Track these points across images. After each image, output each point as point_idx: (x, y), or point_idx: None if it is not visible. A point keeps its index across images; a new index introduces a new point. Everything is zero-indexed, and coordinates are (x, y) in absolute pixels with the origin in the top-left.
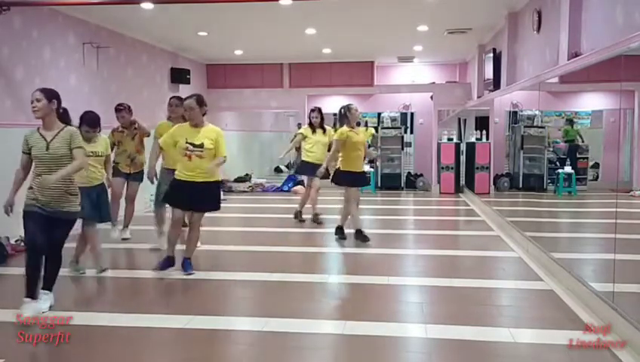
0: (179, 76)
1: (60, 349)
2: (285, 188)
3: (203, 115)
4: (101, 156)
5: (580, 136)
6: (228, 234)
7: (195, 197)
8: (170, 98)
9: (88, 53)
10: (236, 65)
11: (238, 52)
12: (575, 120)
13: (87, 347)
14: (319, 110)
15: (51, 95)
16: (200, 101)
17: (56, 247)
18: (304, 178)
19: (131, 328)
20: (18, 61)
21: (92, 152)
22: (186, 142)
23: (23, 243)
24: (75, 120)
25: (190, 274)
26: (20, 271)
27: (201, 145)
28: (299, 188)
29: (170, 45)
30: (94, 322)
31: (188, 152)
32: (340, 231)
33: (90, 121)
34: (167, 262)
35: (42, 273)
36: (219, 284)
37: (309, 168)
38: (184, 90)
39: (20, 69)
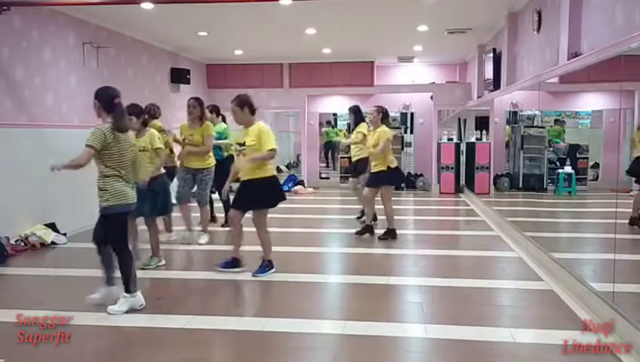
0: (179, 76)
1: (60, 349)
2: (285, 188)
3: (252, 114)
4: (142, 151)
5: (558, 136)
6: (228, 233)
7: (242, 196)
8: (188, 100)
9: (88, 53)
10: (236, 65)
11: (238, 52)
12: (563, 120)
13: (87, 347)
14: (351, 109)
15: (95, 96)
16: (240, 103)
17: (109, 242)
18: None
19: (131, 328)
20: (18, 61)
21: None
22: (236, 144)
23: (23, 243)
24: (75, 119)
25: (256, 276)
26: (20, 271)
27: (244, 143)
28: (299, 188)
29: (170, 45)
30: (95, 322)
31: (238, 152)
32: (388, 232)
33: (130, 108)
34: (231, 263)
35: (110, 263)
36: (219, 284)
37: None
38: (184, 90)
39: (20, 69)
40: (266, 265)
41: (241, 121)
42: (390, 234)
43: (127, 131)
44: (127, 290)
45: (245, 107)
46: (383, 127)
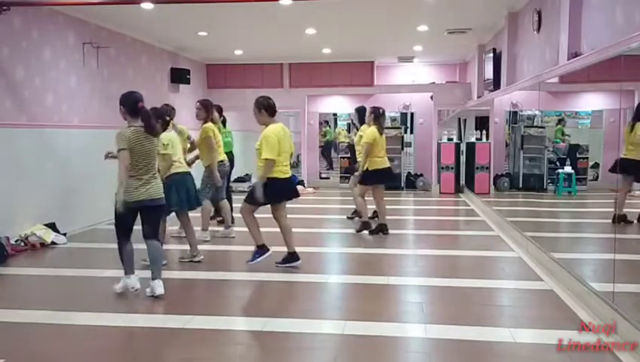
0: (179, 76)
1: (60, 349)
2: None
3: (271, 115)
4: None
5: (562, 135)
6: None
7: None
8: (196, 102)
9: (88, 53)
10: (236, 65)
11: (238, 52)
12: (562, 119)
13: (87, 347)
14: (357, 109)
15: (120, 102)
16: (257, 105)
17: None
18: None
19: (131, 328)
20: (18, 61)
21: None
22: None
23: (23, 243)
24: (75, 119)
25: (249, 263)
26: (20, 271)
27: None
28: (299, 188)
29: (170, 45)
30: (95, 322)
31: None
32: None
33: (154, 112)
34: (288, 259)
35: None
36: (219, 284)
37: None
38: (184, 91)
39: (20, 69)
40: (256, 252)
41: (260, 122)
42: (364, 227)
43: (158, 134)
44: (125, 272)
45: (262, 109)
46: (370, 129)
